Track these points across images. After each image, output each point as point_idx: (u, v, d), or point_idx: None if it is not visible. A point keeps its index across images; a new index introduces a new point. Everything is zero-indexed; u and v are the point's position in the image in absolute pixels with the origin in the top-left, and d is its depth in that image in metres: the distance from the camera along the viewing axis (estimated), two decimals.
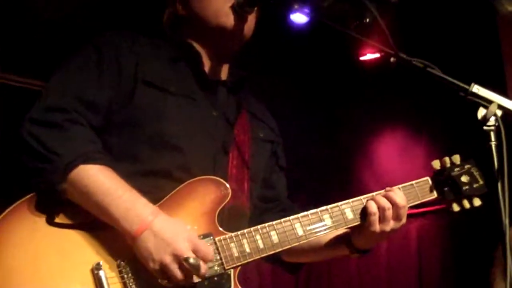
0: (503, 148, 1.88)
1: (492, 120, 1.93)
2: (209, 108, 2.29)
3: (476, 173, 2.34)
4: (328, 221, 2.21)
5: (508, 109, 1.94)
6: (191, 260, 1.88)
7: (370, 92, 5.86)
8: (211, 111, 2.29)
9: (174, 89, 2.21)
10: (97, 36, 2.25)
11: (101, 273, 1.92)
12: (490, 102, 1.95)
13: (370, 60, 5.56)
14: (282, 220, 2.16)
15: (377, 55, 5.44)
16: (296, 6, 2.17)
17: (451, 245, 5.03)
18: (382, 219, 2.21)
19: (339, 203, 2.25)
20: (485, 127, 1.93)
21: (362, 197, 2.28)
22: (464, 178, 2.32)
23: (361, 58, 5.67)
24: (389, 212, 2.20)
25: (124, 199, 1.94)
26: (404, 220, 2.25)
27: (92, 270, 1.92)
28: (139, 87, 2.16)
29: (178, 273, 1.89)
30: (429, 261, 5.54)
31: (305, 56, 5.71)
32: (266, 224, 2.14)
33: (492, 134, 1.92)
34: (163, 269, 1.90)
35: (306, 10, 4.91)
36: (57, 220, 1.98)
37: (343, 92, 6.11)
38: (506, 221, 1.80)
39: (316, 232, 2.19)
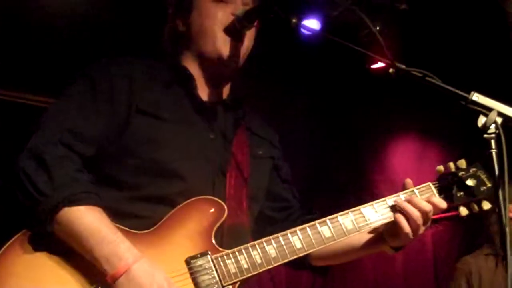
0: (503, 155, 1.88)
1: (492, 128, 1.93)
2: (206, 131, 2.30)
3: (483, 176, 2.33)
4: (327, 232, 2.20)
5: (508, 116, 1.94)
6: None
7: (385, 98, 5.86)
8: (207, 134, 2.30)
9: (169, 115, 2.22)
10: (91, 66, 2.27)
11: None
12: (490, 109, 1.95)
13: (381, 68, 5.56)
14: (280, 234, 2.16)
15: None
16: (294, 21, 2.17)
17: (466, 251, 4.99)
18: (415, 230, 2.23)
19: (336, 215, 2.25)
20: (485, 135, 1.93)
21: (385, 199, 2.28)
22: (470, 182, 2.31)
23: (373, 66, 5.69)
24: (420, 221, 2.22)
25: (108, 242, 1.96)
26: (428, 225, 2.28)
27: None
28: (134, 116, 2.17)
29: None
30: (445, 266, 5.51)
31: (321, 64, 5.73)
32: (263, 239, 2.14)
33: (492, 141, 1.92)
34: None
35: (310, 22, 4.91)
36: (54, 249, 2.01)
37: (358, 99, 6.11)
38: (507, 229, 1.80)
39: (314, 245, 2.19)
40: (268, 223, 2.48)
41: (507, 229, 1.81)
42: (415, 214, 2.21)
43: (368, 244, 2.38)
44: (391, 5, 5.27)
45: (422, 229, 2.25)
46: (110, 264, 1.94)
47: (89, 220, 1.99)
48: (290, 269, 2.61)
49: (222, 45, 2.30)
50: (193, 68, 2.36)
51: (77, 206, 1.99)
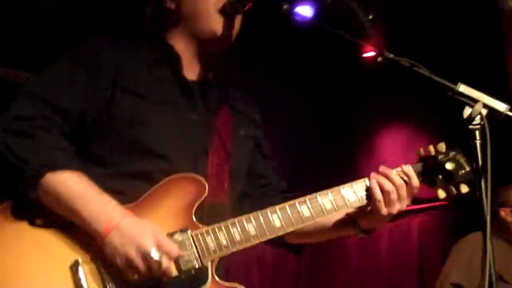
0: (487, 147, 1.90)
1: (477, 119, 1.95)
2: (189, 111, 2.31)
3: (462, 160, 2.33)
4: (306, 212, 2.22)
5: (493, 108, 1.96)
6: (152, 254, 1.94)
7: (375, 88, 5.88)
8: (190, 114, 2.30)
9: (153, 95, 2.23)
10: (76, 45, 2.26)
11: (80, 270, 1.98)
12: (476, 101, 1.97)
13: (372, 57, 5.57)
14: (259, 212, 2.19)
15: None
16: (285, 7, 2.18)
17: (452, 241, 5.04)
18: (388, 203, 2.23)
19: (316, 194, 2.26)
20: (470, 126, 1.95)
21: (365, 180, 2.28)
22: (449, 165, 2.31)
23: (364, 55, 5.71)
24: (394, 195, 2.23)
25: (94, 202, 1.99)
26: (410, 198, 2.28)
27: (71, 267, 1.98)
28: (118, 95, 2.18)
29: (142, 267, 1.95)
30: (430, 257, 5.56)
31: (313, 50, 5.73)
32: (243, 217, 2.17)
33: (477, 133, 1.94)
34: (130, 264, 1.95)
35: (304, 9, 4.92)
36: (37, 221, 2.03)
37: (349, 87, 6.13)
38: (488, 218, 1.83)
39: (293, 224, 2.21)
40: (248, 200, 2.50)
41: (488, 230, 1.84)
42: (389, 185, 2.22)
43: (338, 225, 2.39)
44: None
45: (396, 207, 2.24)
46: (99, 223, 1.97)
47: (74, 182, 2.01)
48: (276, 251, 2.65)
49: (217, 25, 2.31)
50: (180, 47, 2.36)
51: (60, 171, 2.01)
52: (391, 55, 2.10)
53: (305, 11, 5.10)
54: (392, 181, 2.23)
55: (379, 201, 2.23)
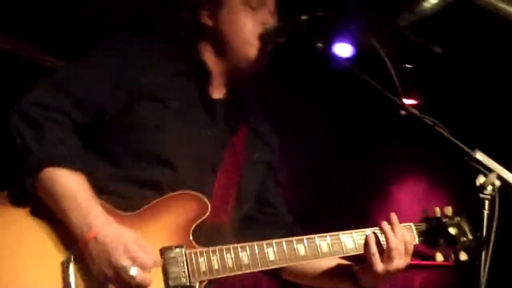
0: (494, 219, 1.90)
1: (489, 189, 1.95)
2: (206, 127, 2.33)
3: (466, 227, 2.34)
4: (301, 251, 2.23)
5: (507, 181, 1.95)
6: (125, 268, 1.94)
7: (396, 136, 5.85)
8: (206, 130, 2.33)
9: (175, 104, 2.26)
10: (108, 38, 2.31)
11: (71, 266, 2.00)
12: (490, 170, 1.96)
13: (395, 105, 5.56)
14: (256, 243, 2.19)
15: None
16: (320, 46, 2.20)
17: None
18: (386, 258, 2.22)
19: (314, 236, 2.27)
20: (481, 195, 1.95)
21: (365, 230, 2.29)
22: (452, 230, 2.32)
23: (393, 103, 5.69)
24: (394, 252, 2.21)
25: (81, 208, 2.01)
26: (408, 258, 2.25)
27: (63, 263, 2.00)
28: (141, 97, 2.21)
29: (115, 280, 1.96)
30: None
31: (342, 86, 5.73)
32: (239, 245, 2.18)
33: (486, 203, 1.94)
34: (105, 279, 1.97)
35: (343, 47, 4.92)
36: (36, 212, 2.07)
37: (369, 134, 6.10)
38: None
39: (286, 260, 2.21)
40: (253, 224, 2.51)
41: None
42: (392, 240, 2.21)
43: (339, 276, 2.40)
44: (426, 46, 5.29)
45: (393, 265, 2.22)
46: (80, 230, 1.99)
47: (69, 183, 2.04)
48: (272, 280, 2.64)
49: (252, 50, 2.35)
50: (210, 63, 2.39)
51: (60, 168, 2.04)
52: (415, 111, 2.11)
53: (345, 49, 5.08)
54: (393, 238, 2.22)
55: (373, 254, 2.22)
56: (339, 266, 2.40)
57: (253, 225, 2.52)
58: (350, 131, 6.14)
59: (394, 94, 2.19)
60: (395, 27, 4.90)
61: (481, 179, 1.98)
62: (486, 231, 1.90)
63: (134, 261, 1.96)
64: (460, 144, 2.03)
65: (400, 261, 2.23)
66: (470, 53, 5.20)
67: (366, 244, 2.25)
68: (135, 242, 1.99)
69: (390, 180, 6.22)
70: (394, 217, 2.29)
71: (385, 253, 2.22)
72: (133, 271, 1.94)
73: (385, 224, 2.26)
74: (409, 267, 2.27)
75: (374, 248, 2.23)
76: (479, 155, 1.99)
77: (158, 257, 2.05)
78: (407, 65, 5.34)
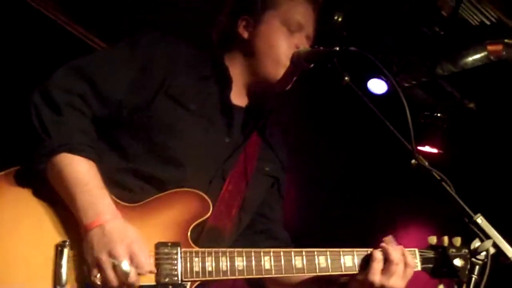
0: (481, 285, 1.89)
1: (482, 255, 1.94)
2: (223, 133, 2.34)
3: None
4: (298, 263, 2.20)
5: (502, 251, 1.94)
6: (122, 264, 1.94)
7: (399, 184, 5.80)
8: (223, 136, 2.34)
9: (194, 107, 2.27)
10: (139, 34, 2.33)
11: (65, 251, 2.00)
12: (488, 237, 1.96)
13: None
14: (253, 250, 2.17)
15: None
16: (346, 79, 2.20)
17: None
18: (385, 272, 2.18)
19: (314, 250, 2.24)
20: (473, 259, 1.95)
21: (368, 249, 2.25)
22: (458, 262, 2.22)
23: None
24: (395, 267, 2.17)
25: (91, 194, 2.02)
26: (405, 282, 2.20)
27: (57, 246, 2.01)
28: (161, 97, 2.23)
29: (109, 273, 1.95)
30: None
31: (362, 122, 5.70)
32: (236, 250, 2.16)
33: (477, 267, 1.93)
34: (98, 266, 1.96)
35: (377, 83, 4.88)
36: (38, 193, 2.07)
37: (373, 182, 6.05)
38: None
39: (282, 271, 2.18)
40: (248, 231, 2.48)
41: None
42: (395, 255, 2.17)
43: (325, 285, 2.34)
44: (460, 100, 5.28)
45: (390, 282, 2.17)
46: (86, 215, 1.99)
47: (81, 170, 2.05)
48: None
49: (281, 70, 2.37)
50: (236, 72, 2.41)
51: (76, 155, 2.05)
52: (426, 163, 2.10)
53: (379, 86, 5.07)
54: (395, 253, 2.18)
55: (378, 261, 2.17)
56: (326, 276, 2.31)
57: (248, 232, 2.49)
58: (362, 165, 6.10)
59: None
60: (433, 75, 4.91)
61: (476, 243, 1.98)
62: None
63: (132, 259, 1.97)
64: (463, 204, 2.02)
65: (397, 280, 2.18)
66: (503, 113, 5.18)
67: (374, 254, 2.20)
68: (138, 242, 2.00)
69: (391, 227, 6.18)
70: (391, 238, 2.26)
71: (385, 266, 2.18)
72: (129, 268, 1.95)
73: (386, 244, 2.23)
74: None
75: (380, 257, 2.18)
76: (480, 220, 1.99)
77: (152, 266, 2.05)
78: (438, 114, 5.32)
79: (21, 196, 2.05)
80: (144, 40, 2.31)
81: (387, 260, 2.18)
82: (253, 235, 2.49)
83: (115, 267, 1.94)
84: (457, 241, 2.28)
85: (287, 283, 2.38)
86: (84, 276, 1.98)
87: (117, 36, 2.46)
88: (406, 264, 2.19)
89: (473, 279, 1.92)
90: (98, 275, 1.95)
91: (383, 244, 2.22)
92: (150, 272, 2.01)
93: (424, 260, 2.29)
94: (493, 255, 1.94)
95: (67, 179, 2.03)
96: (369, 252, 2.23)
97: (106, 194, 2.05)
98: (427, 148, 5.63)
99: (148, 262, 2.00)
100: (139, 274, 1.97)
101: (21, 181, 2.07)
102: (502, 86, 4.91)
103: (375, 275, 2.17)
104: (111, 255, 1.94)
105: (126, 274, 1.94)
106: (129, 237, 1.99)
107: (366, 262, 2.22)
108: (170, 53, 2.31)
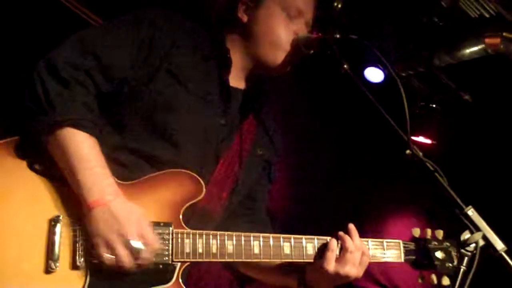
0: (469, 276, 1.91)
1: (471, 247, 1.96)
2: (218, 114, 2.35)
3: (453, 254, 2.29)
4: (287, 250, 2.24)
5: (491, 243, 1.96)
6: (133, 243, 1.97)
7: (391, 172, 5.81)
8: (218, 118, 2.35)
9: (192, 86, 2.28)
10: (143, 9, 2.32)
11: (58, 226, 2.00)
12: (478, 229, 1.98)
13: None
14: (243, 234, 2.20)
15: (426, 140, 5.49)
16: (345, 67, 2.21)
17: None
18: (340, 260, 2.21)
19: (304, 236, 2.27)
20: (462, 250, 1.97)
21: (327, 237, 2.28)
22: (439, 254, 2.29)
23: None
24: (349, 255, 2.21)
25: (94, 172, 2.02)
26: (361, 270, 2.24)
27: (51, 220, 2.01)
28: (161, 74, 2.23)
29: (122, 253, 1.96)
30: None
31: (357, 106, 5.68)
32: (226, 233, 2.18)
33: (465, 259, 1.95)
34: (108, 246, 1.97)
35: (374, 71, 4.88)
36: (35, 166, 2.07)
37: (364, 169, 6.06)
38: None
39: (271, 255, 2.22)
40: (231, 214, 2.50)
41: None
42: (349, 243, 2.21)
43: (286, 271, 2.37)
44: (456, 91, 5.28)
45: (345, 269, 2.21)
46: (90, 193, 2.00)
47: (85, 146, 2.05)
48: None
49: (281, 54, 2.38)
50: (236, 55, 2.41)
51: (80, 131, 2.05)
52: (421, 154, 2.11)
53: (375, 74, 5.07)
54: (350, 242, 2.21)
55: (332, 251, 2.21)
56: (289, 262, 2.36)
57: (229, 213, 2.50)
58: (355, 152, 6.11)
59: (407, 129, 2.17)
60: (430, 65, 4.91)
61: (466, 235, 2.00)
62: (459, 287, 1.92)
63: (143, 236, 1.99)
64: (455, 196, 2.04)
65: (352, 268, 2.22)
66: (499, 107, 5.19)
67: (329, 242, 2.24)
68: (144, 220, 2.02)
69: (380, 216, 6.21)
70: (352, 227, 2.28)
71: (340, 254, 2.22)
72: (141, 245, 1.98)
73: (343, 233, 2.26)
74: None
75: (335, 246, 2.22)
76: (471, 212, 2.00)
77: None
78: (433, 105, 5.33)
79: (18, 166, 2.05)
80: (146, 15, 2.29)
81: (342, 248, 2.22)
82: (234, 217, 2.50)
83: (127, 245, 1.96)
84: (440, 234, 2.34)
85: (256, 265, 2.41)
86: (85, 253, 2.00)
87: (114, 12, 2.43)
88: (363, 253, 2.23)
89: (462, 270, 1.93)
90: (106, 255, 1.96)
91: (340, 232, 2.26)
92: (159, 248, 2.04)
93: (407, 252, 2.34)
94: (482, 247, 1.96)
95: (70, 154, 2.02)
96: (328, 240, 2.26)
97: (109, 173, 2.05)
98: (420, 139, 5.64)
99: (156, 238, 2.03)
100: (151, 252, 2.00)
101: (20, 151, 2.07)
102: (498, 79, 4.92)
103: (329, 264, 2.21)
104: (120, 233, 1.96)
105: (139, 251, 1.97)
106: (136, 214, 2.01)
107: (323, 250, 2.25)
108: (171, 30, 2.30)
